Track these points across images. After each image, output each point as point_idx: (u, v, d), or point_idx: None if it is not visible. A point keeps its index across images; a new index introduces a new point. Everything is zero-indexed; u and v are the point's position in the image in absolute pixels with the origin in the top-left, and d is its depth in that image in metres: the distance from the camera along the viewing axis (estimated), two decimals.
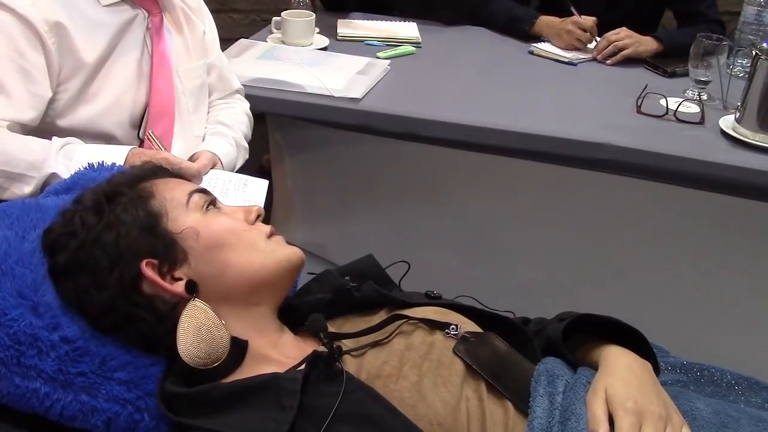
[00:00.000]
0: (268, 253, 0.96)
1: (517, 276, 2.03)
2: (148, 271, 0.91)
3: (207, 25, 1.63)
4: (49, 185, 1.24)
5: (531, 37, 2.35)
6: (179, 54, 1.52)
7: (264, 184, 1.44)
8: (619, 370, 0.92)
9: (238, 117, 1.65)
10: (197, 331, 0.90)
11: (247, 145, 1.63)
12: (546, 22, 2.32)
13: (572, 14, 2.28)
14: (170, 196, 0.96)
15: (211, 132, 1.57)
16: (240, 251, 0.94)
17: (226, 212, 1.00)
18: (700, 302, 1.90)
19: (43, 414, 0.89)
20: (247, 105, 1.71)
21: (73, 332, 0.90)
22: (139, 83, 1.43)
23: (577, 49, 2.27)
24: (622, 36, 2.20)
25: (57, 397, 0.88)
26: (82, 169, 1.16)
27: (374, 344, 0.94)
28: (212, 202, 1.00)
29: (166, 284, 0.91)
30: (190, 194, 0.97)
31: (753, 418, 0.94)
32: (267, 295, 0.97)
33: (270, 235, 0.99)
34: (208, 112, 1.63)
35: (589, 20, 2.25)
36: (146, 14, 1.43)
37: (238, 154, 1.57)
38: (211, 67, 1.63)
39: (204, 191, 1.00)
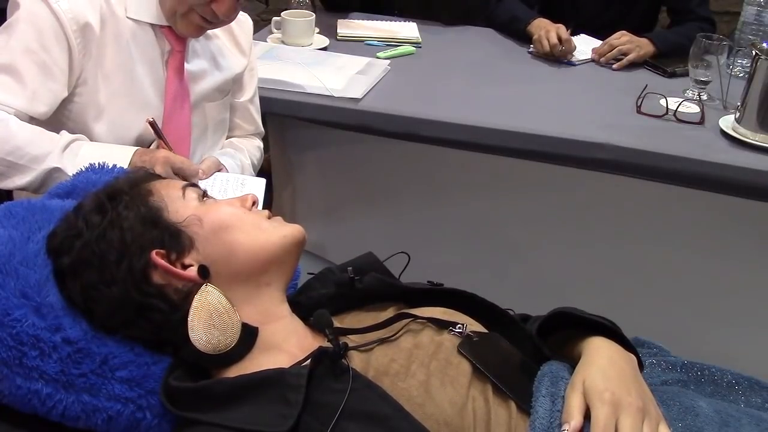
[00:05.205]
0: (271, 231, 0.98)
1: (517, 276, 2.03)
2: (159, 260, 0.91)
3: (251, 64, 1.63)
4: (52, 180, 1.24)
5: (529, 37, 2.32)
6: (205, 87, 1.50)
7: (262, 182, 1.45)
8: (599, 361, 0.91)
9: (251, 144, 1.66)
10: (209, 317, 0.91)
11: (253, 172, 1.62)
12: (538, 24, 2.29)
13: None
14: (166, 192, 0.98)
15: (219, 153, 1.57)
16: (245, 231, 0.96)
17: (223, 202, 1.03)
18: (700, 302, 1.90)
19: (45, 415, 0.89)
20: (261, 144, 1.71)
21: (75, 334, 0.89)
22: (152, 111, 1.41)
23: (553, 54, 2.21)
24: (624, 41, 2.19)
25: (59, 398, 0.88)
26: (83, 170, 1.16)
27: (381, 341, 0.94)
28: (205, 194, 1.02)
29: (178, 270, 0.92)
30: (183, 188, 1.00)
31: (754, 419, 0.95)
32: (275, 273, 0.97)
33: (269, 217, 1.01)
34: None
35: (564, 34, 2.19)
36: (169, 46, 1.41)
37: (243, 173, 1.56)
38: (241, 107, 1.63)
39: (194, 185, 1.03)
